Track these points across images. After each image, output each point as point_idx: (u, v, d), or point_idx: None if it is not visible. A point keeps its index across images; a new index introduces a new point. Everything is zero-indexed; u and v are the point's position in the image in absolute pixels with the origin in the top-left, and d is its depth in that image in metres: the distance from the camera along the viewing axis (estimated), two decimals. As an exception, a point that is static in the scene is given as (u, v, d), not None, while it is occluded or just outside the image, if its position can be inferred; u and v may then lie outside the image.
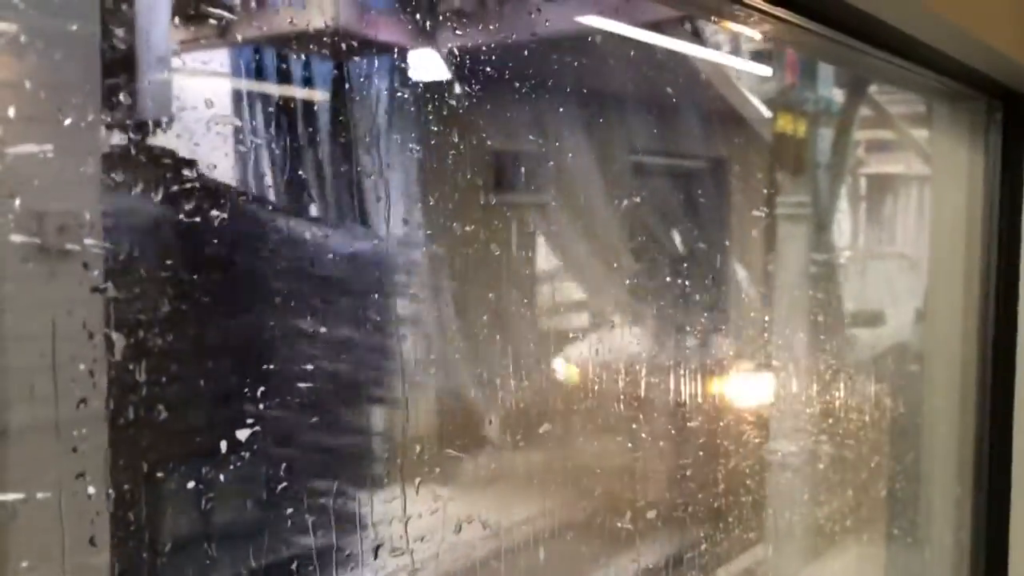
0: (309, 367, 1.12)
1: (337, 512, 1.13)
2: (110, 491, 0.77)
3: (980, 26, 1.30)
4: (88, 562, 0.76)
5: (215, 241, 1.00)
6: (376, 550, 1.14)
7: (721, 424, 2.07)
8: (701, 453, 2.00)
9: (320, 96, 1.44)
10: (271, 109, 1.28)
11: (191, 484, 0.93)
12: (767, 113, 3.69)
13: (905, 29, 1.25)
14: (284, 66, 1.40)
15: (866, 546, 2.34)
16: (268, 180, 1.25)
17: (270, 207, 1.24)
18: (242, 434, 0.95)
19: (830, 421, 2.26)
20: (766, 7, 1.09)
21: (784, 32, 1.21)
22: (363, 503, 1.17)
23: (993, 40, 1.35)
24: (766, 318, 2.37)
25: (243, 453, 0.97)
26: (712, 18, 1.42)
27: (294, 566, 1.03)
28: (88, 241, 0.75)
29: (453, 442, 1.42)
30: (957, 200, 1.90)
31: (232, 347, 1.07)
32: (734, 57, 3.77)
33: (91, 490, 0.75)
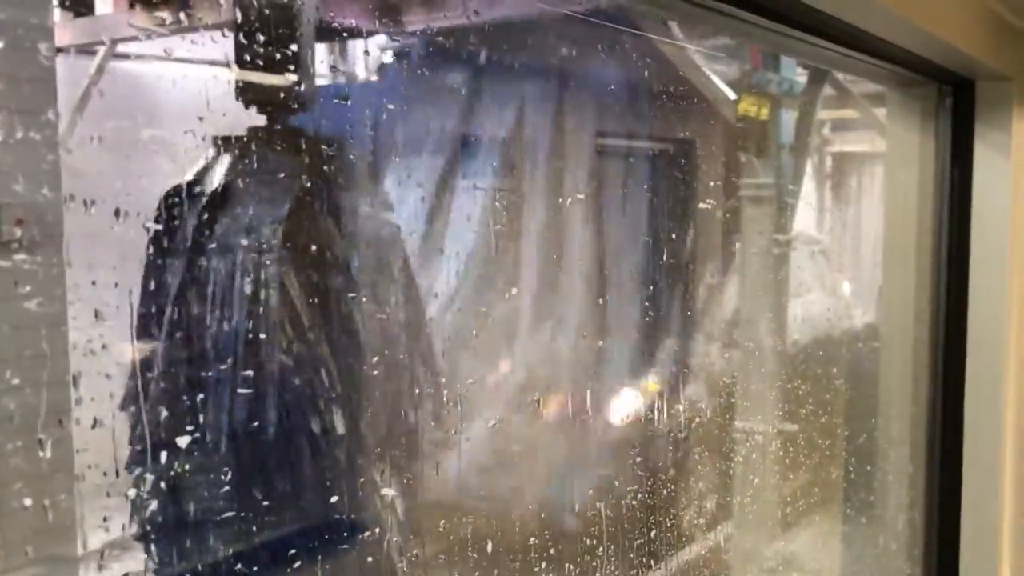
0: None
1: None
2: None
3: (927, 18, 1.34)
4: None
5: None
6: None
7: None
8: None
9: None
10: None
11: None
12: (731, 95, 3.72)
13: (857, 23, 1.29)
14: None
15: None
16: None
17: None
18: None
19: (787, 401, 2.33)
20: (720, 6, 1.11)
21: (738, 29, 1.24)
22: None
23: (939, 31, 1.39)
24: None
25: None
26: (666, 18, 1.44)
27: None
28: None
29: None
30: (909, 181, 1.96)
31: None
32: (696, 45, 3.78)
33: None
